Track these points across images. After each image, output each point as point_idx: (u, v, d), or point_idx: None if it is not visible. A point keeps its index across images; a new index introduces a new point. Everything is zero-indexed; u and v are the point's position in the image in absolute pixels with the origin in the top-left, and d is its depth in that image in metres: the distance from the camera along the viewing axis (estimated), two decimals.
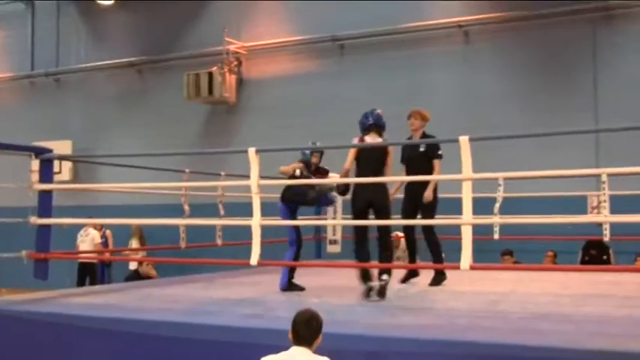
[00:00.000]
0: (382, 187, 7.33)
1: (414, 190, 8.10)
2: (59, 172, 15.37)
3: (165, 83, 17.03)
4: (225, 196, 10.05)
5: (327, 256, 11.39)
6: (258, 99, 16.07)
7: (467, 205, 6.05)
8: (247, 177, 6.88)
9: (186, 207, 9.21)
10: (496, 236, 10.20)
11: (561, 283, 8.21)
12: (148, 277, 11.42)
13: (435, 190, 8.10)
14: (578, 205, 10.79)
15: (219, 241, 9.82)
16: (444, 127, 11.14)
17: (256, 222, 6.73)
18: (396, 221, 8.34)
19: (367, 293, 7.06)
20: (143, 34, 17.63)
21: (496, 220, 9.44)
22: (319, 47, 15.47)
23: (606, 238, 9.61)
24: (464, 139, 6.00)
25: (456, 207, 6.30)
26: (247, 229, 6.81)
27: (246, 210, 6.94)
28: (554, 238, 11.93)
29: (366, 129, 7.55)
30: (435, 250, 8.21)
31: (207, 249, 10.51)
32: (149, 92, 17.44)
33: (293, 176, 8.24)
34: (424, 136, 8.32)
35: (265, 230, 6.85)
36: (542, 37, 13.56)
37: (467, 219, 6.05)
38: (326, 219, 11.25)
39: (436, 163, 8.05)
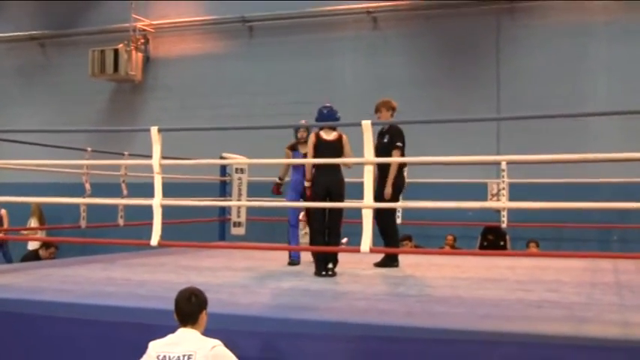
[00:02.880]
0: (340, 175, 7.77)
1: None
2: None
3: (70, 59, 16.56)
4: (128, 176, 9.91)
5: (231, 238, 11.38)
6: (164, 78, 15.84)
7: (368, 189, 6.14)
8: (151, 157, 6.80)
9: (87, 186, 9.05)
10: (399, 221, 10.47)
11: (459, 268, 8.42)
12: None
13: (401, 177, 8.33)
14: (479, 192, 11.09)
15: (120, 222, 9.68)
16: (351, 112, 11.26)
17: (157, 202, 6.67)
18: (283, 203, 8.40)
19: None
20: (47, 7, 17.08)
21: (398, 204, 9.67)
22: (228, 28, 15.35)
23: (504, 225, 9.97)
24: (366, 123, 6.08)
25: (359, 191, 6.37)
26: (151, 210, 6.74)
27: (150, 191, 6.86)
28: (455, 224, 12.25)
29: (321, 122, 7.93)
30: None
31: (109, 229, 10.36)
32: (52, 67, 16.95)
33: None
34: (390, 126, 8.30)
35: (168, 211, 6.79)
36: (448, 26, 13.83)
37: (368, 202, 6.14)
38: (230, 200, 11.23)
39: (394, 153, 8.07)
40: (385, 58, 14.15)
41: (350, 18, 14.47)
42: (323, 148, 7.75)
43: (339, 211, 7.73)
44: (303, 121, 8.95)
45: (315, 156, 7.70)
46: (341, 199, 7.71)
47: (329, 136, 7.80)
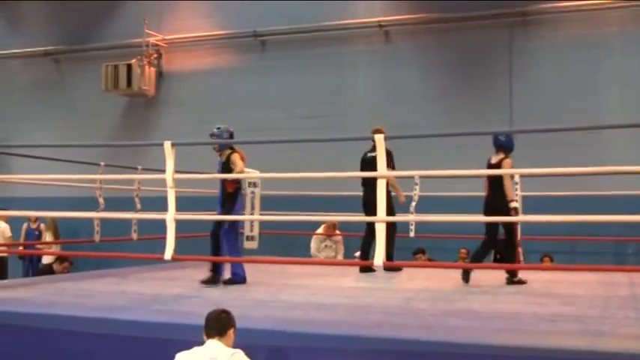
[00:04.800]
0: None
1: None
2: None
3: (83, 74, 16.65)
4: (141, 190, 9.93)
5: (244, 251, 11.36)
6: (177, 93, 15.90)
7: (381, 203, 6.13)
8: (164, 171, 6.82)
9: (101, 200, 9.09)
10: (412, 234, 10.44)
11: (473, 281, 8.38)
12: None
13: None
14: None
15: (134, 235, 9.70)
16: (363, 126, 11.24)
17: (171, 216, 6.68)
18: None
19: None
20: (61, 23, 17.20)
21: (411, 217, 9.66)
22: (240, 42, 15.40)
23: (517, 238, 9.92)
24: (379, 137, 6.07)
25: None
26: (164, 224, 6.75)
27: (163, 205, 6.87)
28: (468, 237, 12.17)
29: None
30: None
31: (123, 243, 10.38)
32: (66, 83, 17.04)
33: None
34: None
35: (181, 224, 6.80)
36: (460, 39, 13.82)
37: (381, 216, 6.13)
38: (243, 214, 11.23)
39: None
40: (397, 72, 14.15)
41: (362, 32, 14.48)
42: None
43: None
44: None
45: None
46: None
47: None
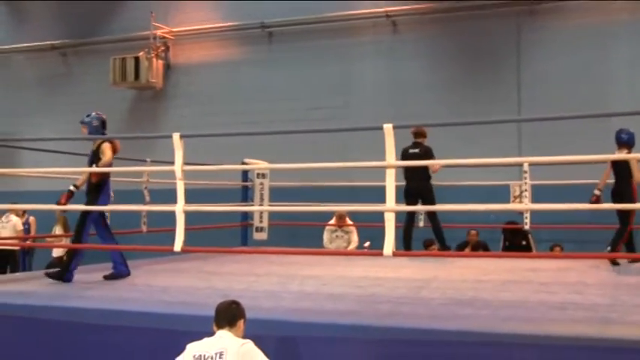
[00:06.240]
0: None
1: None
2: None
3: (91, 67, 16.69)
4: (150, 183, 9.95)
5: (254, 243, 11.39)
6: (185, 85, 15.93)
7: (390, 192, 6.11)
8: (173, 163, 6.83)
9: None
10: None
11: (482, 270, 8.37)
12: None
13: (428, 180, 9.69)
14: (501, 194, 11.03)
15: (144, 228, 9.72)
16: (370, 116, 11.26)
17: (180, 208, 6.69)
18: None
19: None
20: (68, 17, 17.23)
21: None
22: (247, 34, 15.41)
23: (527, 227, 9.92)
24: (388, 127, 6.06)
25: (380, 195, 6.36)
26: (173, 216, 6.77)
27: (173, 197, 6.88)
28: (477, 226, 12.17)
29: None
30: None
31: (132, 235, 10.41)
32: (73, 76, 17.08)
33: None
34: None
35: (190, 216, 6.81)
36: (468, 28, 13.79)
37: (390, 206, 6.12)
38: (252, 205, 11.26)
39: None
40: (405, 62, 14.13)
41: (369, 22, 14.47)
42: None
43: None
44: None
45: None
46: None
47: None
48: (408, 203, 9.51)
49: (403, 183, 9.69)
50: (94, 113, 7.96)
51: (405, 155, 9.56)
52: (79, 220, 7.77)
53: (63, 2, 17.28)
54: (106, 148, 7.66)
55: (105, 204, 7.75)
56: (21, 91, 17.48)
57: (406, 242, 9.70)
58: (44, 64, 17.40)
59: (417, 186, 9.51)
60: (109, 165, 7.68)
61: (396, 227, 6.14)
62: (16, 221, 13.80)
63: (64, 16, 17.31)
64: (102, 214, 7.87)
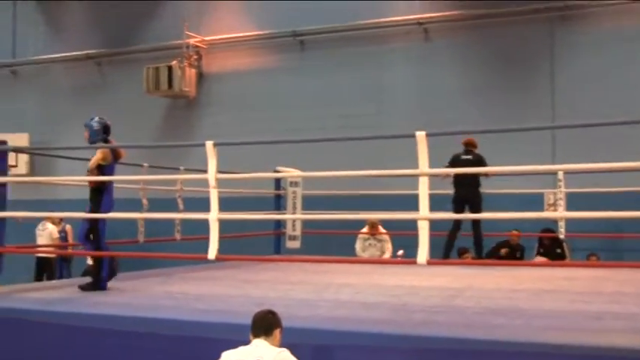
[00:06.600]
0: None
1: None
2: (15, 166, 15.17)
3: (125, 76, 16.86)
4: (184, 191, 10.01)
5: (287, 251, 11.41)
6: (218, 93, 16.01)
7: (424, 201, 6.09)
8: (206, 172, 6.86)
9: (145, 201, 9.17)
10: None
11: (517, 279, 8.31)
12: None
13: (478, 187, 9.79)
14: (535, 202, 10.95)
15: (177, 236, 9.79)
16: (402, 123, 11.22)
17: (214, 216, 6.71)
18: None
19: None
20: (102, 27, 17.44)
21: (453, 215, 9.61)
22: (280, 42, 15.46)
23: (562, 235, 9.82)
24: (421, 135, 6.04)
25: (411, 203, 6.34)
26: (207, 224, 6.79)
27: (206, 205, 6.91)
28: (512, 235, 12.07)
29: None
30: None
31: (166, 243, 10.48)
32: (108, 85, 17.26)
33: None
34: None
35: (223, 224, 6.83)
36: (500, 35, 13.71)
37: (424, 214, 6.10)
38: (285, 213, 11.28)
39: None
40: (437, 69, 14.09)
41: (401, 30, 14.45)
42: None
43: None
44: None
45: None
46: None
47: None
48: (456, 211, 9.49)
49: (447, 191, 9.66)
50: (97, 117, 7.89)
51: (456, 161, 9.59)
52: (87, 232, 7.69)
53: (98, 12, 17.49)
54: (98, 152, 7.62)
55: (109, 207, 7.68)
56: (57, 100, 17.70)
57: (447, 250, 9.70)
58: (79, 73, 17.61)
59: (466, 193, 9.55)
60: (100, 169, 7.58)
61: (431, 236, 6.10)
62: (52, 229, 13.98)
63: (99, 26, 17.51)
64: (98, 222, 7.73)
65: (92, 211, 7.62)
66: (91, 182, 7.66)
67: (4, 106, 18.11)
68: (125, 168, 10.27)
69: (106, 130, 7.82)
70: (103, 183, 7.61)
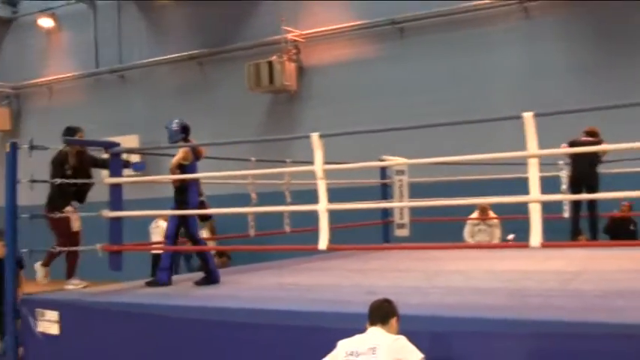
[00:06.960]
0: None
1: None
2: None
3: (227, 74, 17.18)
4: (291, 184, 10.09)
5: (396, 239, 11.36)
6: (318, 86, 16.10)
7: (534, 183, 5.94)
8: (312, 164, 6.89)
9: (254, 195, 9.28)
10: (565, 214, 10.11)
11: (636, 260, 8.02)
12: None
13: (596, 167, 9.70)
14: None
15: (287, 228, 9.87)
16: (507, 105, 10.97)
17: (323, 207, 6.73)
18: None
19: None
20: (202, 28, 17.82)
21: (565, 197, 9.35)
22: (378, 31, 15.40)
23: None
24: (528, 116, 5.89)
25: (519, 187, 6.19)
26: (313, 216, 6.83)
27: (313, 197, 6.95)
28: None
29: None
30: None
31: (276, 236, 10.60)
32: (211, 84, 17.62)
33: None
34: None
35: (330, 215, 6.85)
36: (603, 8, 13.21)
37: (535, 196, 5.95)
38: (392, 202, 11.24)
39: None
40: (539, 48, 13.75)
41: (501, 10, 14.16)
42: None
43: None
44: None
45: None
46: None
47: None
48: (574, 192, 9.34)
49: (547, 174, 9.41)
50: (176, 119, 8.12)
51: (575, 143, 9.50)
52: (176, 229, 7.91)
53: (197, 14, 17.88)
54: (179, 151, 7.81)
55: (195, 204, 7.85)
56: (163, 101, 18.18)
57: (574, 232, 9.66)
58: (182, 74, 18.06)
59: (582, 171, 9.40)
60: (182, 168, 7.75)
61: (544, 218, 5.94)
62: (164, 226, 14.34)
63: (199, 28, 17.90)
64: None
65: (177, 209, 7.78)
66: (174, 181, 7.82)
67: (114, 109, 18.77)
68: (233, 164, 10.50)
69: (184, 130, 8.04)
70: (186, 181, 7.75)
